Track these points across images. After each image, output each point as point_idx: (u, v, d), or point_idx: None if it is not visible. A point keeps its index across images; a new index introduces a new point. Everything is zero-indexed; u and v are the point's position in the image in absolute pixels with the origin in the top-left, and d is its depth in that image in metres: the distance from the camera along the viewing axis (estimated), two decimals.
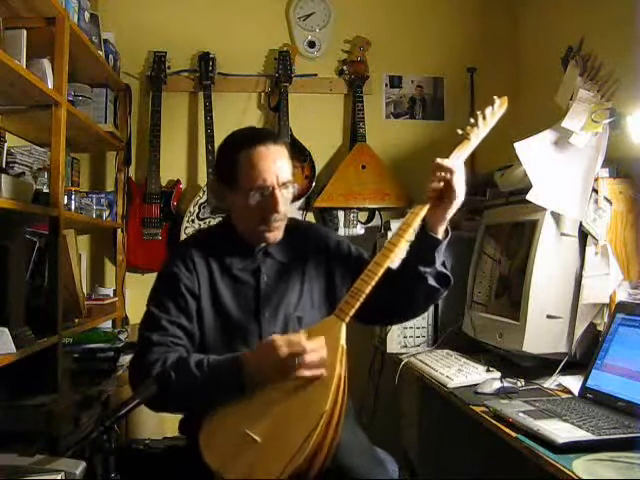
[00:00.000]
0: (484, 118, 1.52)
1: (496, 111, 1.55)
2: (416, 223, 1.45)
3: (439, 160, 1.45)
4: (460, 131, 1.52)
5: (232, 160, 1.49)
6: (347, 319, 1.38)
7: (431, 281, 1.52)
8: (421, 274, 1.50)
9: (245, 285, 1.55)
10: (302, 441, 1.24)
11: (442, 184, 1.44)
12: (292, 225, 1.61)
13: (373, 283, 1.40)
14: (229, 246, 1.57)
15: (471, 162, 1.57)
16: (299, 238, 1.62)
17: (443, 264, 1.54)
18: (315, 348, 1.31)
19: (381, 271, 1.41)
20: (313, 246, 1.63)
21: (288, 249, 1.60)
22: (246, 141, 1.50)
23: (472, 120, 1.52)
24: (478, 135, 1.51)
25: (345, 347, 1.36)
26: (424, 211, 1.46)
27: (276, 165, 1.48)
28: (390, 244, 1.44)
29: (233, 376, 1.34)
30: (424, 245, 1.50)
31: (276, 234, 1.54)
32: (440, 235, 1.50)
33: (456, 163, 1.45)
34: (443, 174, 1.43)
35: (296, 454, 1.24)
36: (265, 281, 1.55)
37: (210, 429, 1.34)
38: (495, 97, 1.56)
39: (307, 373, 1.31)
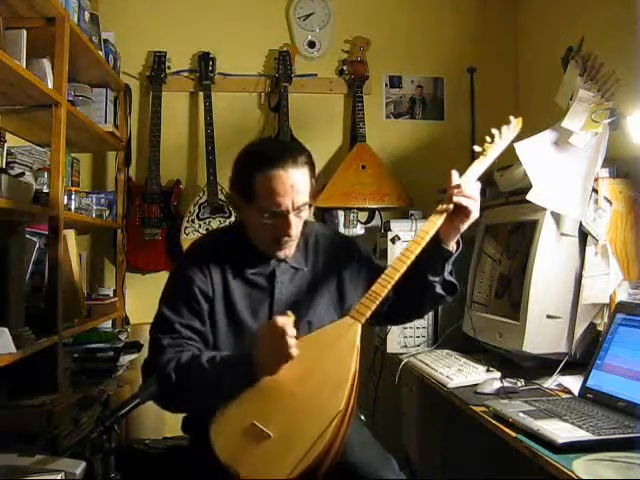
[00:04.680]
0: (500, 136, 1.59)
1: (512, 129, 1.62)
2: (433, 232, 1.49)
3: (462, 186, 1.48)
4: (477, 148, 1.59)
5: (249, 178, 1.45)
6: (363, 320, 1.41)
7: (439, 289, 1.57)
8: (430, 283, 1.55)
9: (259, 289, 1.54)
10: (316, 438, 1.25)
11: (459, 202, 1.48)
12: (305, 229, 1.59)
13: (390, 287, 1.44)
14: (243, 249, 1.55)
15: (471, 161, 1.59)
16: (312, 242, 1.63)
17: (451, 272, 1.58)
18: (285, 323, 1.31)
19: (398, 275, 1.45)
20: (325, 251, 1.63)
21: (302, 253, 1.60)
22: (265, 162, 1.44)
23: (489, 138, 1.59)
24: (494, 151, 1.58)
25: (359, 347, 1.38)
26: (441, 220, 1.50)
27: (293, 190, 1.42)
28: (407, 251, 1.48)
29: (244, 364, 1.35)
30: (435, 256, 1.54)
31: (287, 252, 1.52)
32: (451, 247, 1.54)
33: (475, 191, 1.49)
34: (463, 198, 1.47)
35: (309, 451, 1.25)
36: (279, 286, 1.55)
37: (221, 422, 1.35)
38: (511, 117, 1.63)
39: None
